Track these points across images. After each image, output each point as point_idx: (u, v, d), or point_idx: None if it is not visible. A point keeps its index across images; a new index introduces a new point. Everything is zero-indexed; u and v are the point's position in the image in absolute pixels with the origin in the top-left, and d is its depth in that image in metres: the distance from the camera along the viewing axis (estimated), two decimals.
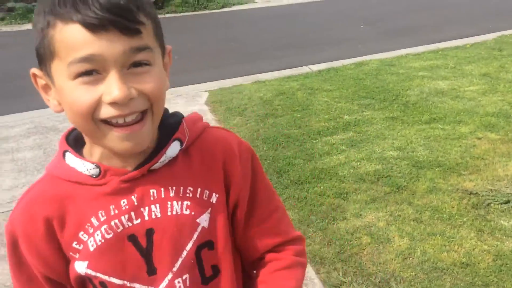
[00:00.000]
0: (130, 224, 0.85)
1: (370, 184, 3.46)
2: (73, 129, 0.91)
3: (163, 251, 0.86)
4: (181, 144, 0.89)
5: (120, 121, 0.77)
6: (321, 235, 2.97)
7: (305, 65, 6.47)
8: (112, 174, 0.84)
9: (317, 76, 5.96)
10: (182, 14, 9.26)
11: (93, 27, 0.70)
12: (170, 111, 0.93)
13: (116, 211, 0.84)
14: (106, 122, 0.77)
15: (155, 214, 0.85)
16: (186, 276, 0.89)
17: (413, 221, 3.03)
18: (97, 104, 0.74)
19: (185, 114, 0.93)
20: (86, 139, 0.87)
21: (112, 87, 0.73)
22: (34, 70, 0.81)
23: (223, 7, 9.79)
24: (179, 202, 0.87)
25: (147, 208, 0.85)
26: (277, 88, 5.52)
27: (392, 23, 8.54)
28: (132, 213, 0.85)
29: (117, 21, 0.70)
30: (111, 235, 0.85)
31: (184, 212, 0.87)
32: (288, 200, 3.37)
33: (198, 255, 0.89)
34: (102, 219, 0.84)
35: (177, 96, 5.46)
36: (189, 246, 0.88)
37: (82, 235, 0.85)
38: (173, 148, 0.88)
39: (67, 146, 0.87)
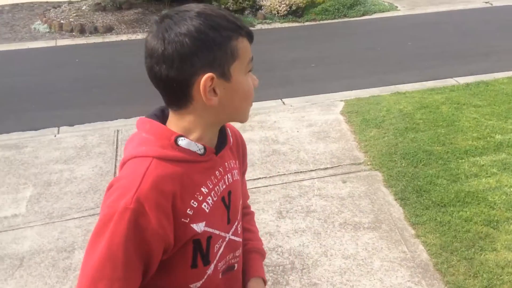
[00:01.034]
0: (222, 188, 1.15)
1: None
2: (153, 116, 1.14)
3: (234, 206, 1.20)
4: None
5: None
6: (466, 265, 2.70)
7: (451, 77, 6.03)
8: (210, 152, 1.11)
9: (465, 89, 5.50)
10: (322, 22, 9.21)
11: (251, 40, 1.09)
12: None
13: (215, 180, 1.13)
14: None
15: (229, 180, 1.17)
16: (240, 223, 1.26)
17: None
18: None
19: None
20: (186, 123, 1.09)
21: (255, 77, 1.13)
22: (209, 75, 1.02)
23: (363, 15, 9.54)
24: (235, 171, 1.22)
25: (226, 176, 1.16)
26: (419, 101, 5.21)
27: None
28: (222, 180, 1.15)
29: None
30: (216, 198, 1.12)
31: (236, 177, 1.22)
32: (428, 222, 3.13)
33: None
34: (210, 186, 1.11)
35: (313, 104, 5.42)
36: (240, 202, 1.26)
37: (192, 203, 1.06)
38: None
39: (176, 133, 1.07)
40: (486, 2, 10.21)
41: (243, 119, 1.14)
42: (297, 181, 3.82)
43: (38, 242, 3.23)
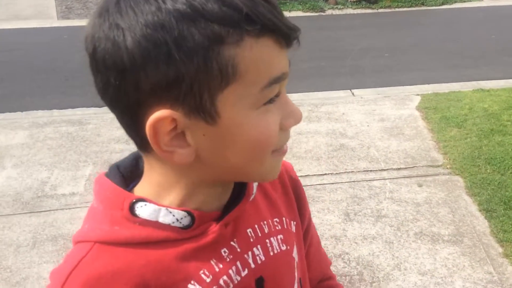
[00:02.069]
0: (238, 278, 0.66)
1: None
2: (108, 171, 0.67)
3: None
4: None
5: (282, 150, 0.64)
6: None
7: None
8: (203, 222, 0.63)
9: None
10: (397, 9, 8.70)
11: (286, 42, 0.56)
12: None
13: (221, 265, 0.64)
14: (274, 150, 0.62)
15: (260, 258, 0.68)
16: None
17: None
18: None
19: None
20: (157, 177, 0.63)
21: (293, 108, 0.61)
22: (166, 113, 0.54)
23: (443, 3, 8.93)
24: (275, 237, 0.72)
25: (250, 253, 0.68)
26: (505, 100, 4.71)
27: None
28: (238, 263, 0.66)
29: (298, 35, 0.57)
30: None
31: (282, 248, 0.72)
32: None
33: None
34: (207, 280, 0.63)
35: (385, 97, 5.04)
36: (295, 286, 0.75)
37: None
38: None
39: (135, 196, 0.62)
40: None
41: (260, 178, 0.66)
42: (367, 180, 3.51)
43: None
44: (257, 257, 0.69)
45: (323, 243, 2.88)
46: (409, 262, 2.69)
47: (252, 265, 0.68)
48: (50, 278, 0.63)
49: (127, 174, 0.68)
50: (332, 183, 3.48)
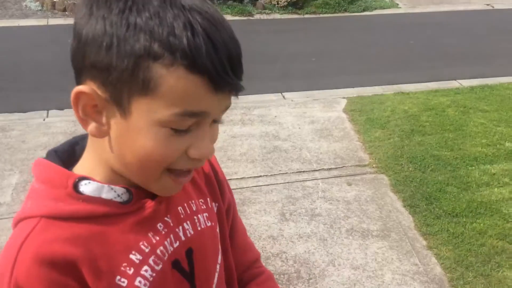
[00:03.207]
0: (171, 248, 0.75)
1: None
2: (47, 155, 0.75)
3: (203, 270, 0.80)
4: None
5: (185, 172, 0.71)
6: (484, 282, 2.55)
7: (455, 79, 5.89)
8: (140, 198, 0.72)
9: (470, 93, 5.36)
10: (322, 15, 9.00)
11: (219, 85, 0.62)
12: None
13: (157, 238, 0.73)
14: (169, 170, 0.69)
15: (189, 232, 0.78)
16: None
17: None
18: (179, 156, 0.67)
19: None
20: (94, 160, 0.71)
21: (203, 145, 0.67)
22: (85, 88, 0.64)
23: (364, 10, 9.34)
24: (202, 215, 0.81)
25: (181, 227, 0.77)
26: (423, 102, 5.05)
27: None
28: (172, 236, 0.75)
29: (238, 82, 0.64)
30: (160, 266, 0.73)
31: (207, 224, 0.82)
32: (440, 233, 2.98)
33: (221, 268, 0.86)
34: (146, 250, 0.71)
35: (314, 100, 5.23)
36: (219, 259, 0.85)
37: (119, 281, 0.69)
38: None
39: (75, 175, 0.70)
40: (487, 5, 10.09)
41: (156, 190, 0.72)
42: (300, 181, 3.64)
43: None
44: (187, 231, 0.77)
45: (261, 243, 2.96)
46: (342, 258, 2.83)
47: (183, 238, 0.77)
48: (0, 255, 0.67)
49: (65, 159, 0.74)
50: (268, 185, 3.57)
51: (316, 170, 3.79)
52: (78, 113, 0.65)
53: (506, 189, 3.38)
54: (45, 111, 4.70)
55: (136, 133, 0.64)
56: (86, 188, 0.68)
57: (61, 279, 0.64)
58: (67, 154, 0.75)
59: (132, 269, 0.70)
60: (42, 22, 7.89)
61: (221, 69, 0.60)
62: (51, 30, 7.60)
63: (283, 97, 5.32)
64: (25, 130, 4.30)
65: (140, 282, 0.70)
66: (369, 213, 3.25)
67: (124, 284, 0.69)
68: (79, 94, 0.64)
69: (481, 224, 3.00)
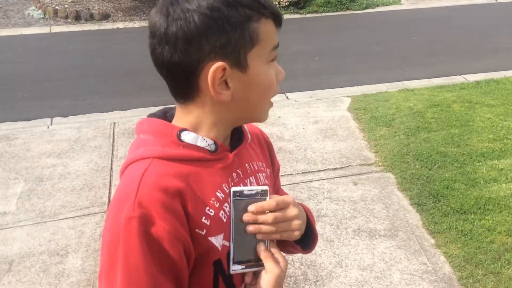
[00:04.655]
0: None
1: None
2: (152, 116, 0.97)
3: None
4: None
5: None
6: (494, 280, 2.50)
7: (459, 74, 5.83)
8: (223, 149, 0.92)
9: (475, 87, 5.31)
10: (323, 14, 8.96)
11: (279, 23, 0.90)
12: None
13: (232, 184, 0.92)
14: None
15: (253, 185, 0.97)
16: None
17: None
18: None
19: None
20: (192, 119, 0.92)
21: (281, 68, 0.93)
22: (221, 64, 0.84)
23: (366, 8, 9.30)
24: (262, 175, 1.01)
25: (248, 180, 0.97)
26: (428, 99, 5.00)
27: None
28: (241, 185, 0.94)
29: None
30: None
31: (266, 182, 1.01)
32: (448, 231, 2.94)
33: None
34: (227, 191, 0.90)
35: (318, 99, 5.20)
36: None
37: (208, 210, 0.88)
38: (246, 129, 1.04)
39: (178, 127, 0.91)
40: None
41: (260, 118, 0.96)
42: (306, 182, 3.61)
43: (28, 244, 3.00)
44: (252, 184, 0.98)
45: None
46: (350, 259, 2.80)
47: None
48: (122, 186, 0.87)
49: (160, 119, 0.95)
50: None
51: (322, 171, 3.76)
52: (215, 88, 0.85)
53: None
54: (49, 119, 4.70)
55: (256, 77, 0.88)
56: (186, 137, 0.89)
57: (171, 202, 0.83)
58: (163, 117, 0.96)
59: (218, 204, 0.89)
60: (45, 30, 7.92)
61: (278, 13, 0.89)
62: (54, 37, 7.62)
63: (287, 97, 5.29)
64: (29, 139, 4.30)
65: (222, 214, 0.89)
66: (375, 212, 3.21)
67: (212, 214, 0.88)
68: (215, 71, 0.84)
69: (490, 221, 2.96)
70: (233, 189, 0.89)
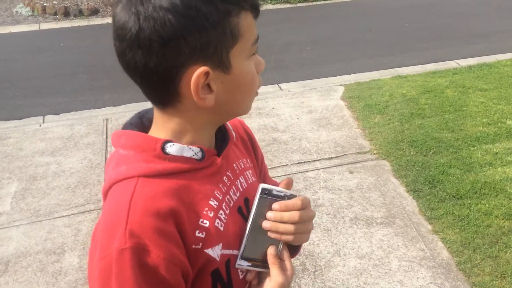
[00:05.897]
0: (235, 197, 0.91)
1: None
2: (128, 127, 0.90)
3: None
4: None
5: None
6: (492, 264, 2.51)
7: (452, 60, 5.83)
8: (210, 154, 0.87)
9: (468, 72, 5.30)
10: (314, 3, 8.93)
11: (257, 14, 0.84)
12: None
13: (225, 188, 0.89)
14: None
15: (244, 185, 0.94)
16: None
17: None
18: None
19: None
20: (174, 125, 0.86)
21: (261, 59, 0.87)
22: (204, 68, 0.77)
23: None
24: (248, 172, 0.98)
25: (238, 180, 0.93)
26: (421, 85, 5.00)
27: None
28: (233, 187, 0.91)
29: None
30: (228, 211, 0.88)
31: (253, 179, 0.98)
32: (445, 216, 2.94)
33: None
34: (220, 197, 0.87)
35: (311, 89, 5.18)
36: None
37: (202, 223, 0.83)
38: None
39: (161, 139, 0.84)
40: None
41: (245, 112, 0.90)
42: (301, 172, 3.60)
43: (24, 244, 2.98)
44: (243, 184, 0.94)
45: None
46: (348, 247, 2.80)
47: (241, 189, 0.93)
48: (108, 212, 0.80)
49: (139, 129, 0.89)
50: None
51: (317, 160, 3.75)
52: (199, 95, 0.78)
53: (509, 167, 3.34)
54: (41, 117, 4.66)
55: (239, 75, 0.81)
56: (171, 149, 0.83)
57: (164, 225, 0.77)
58: (140, 125, 0.90)
59: (212, 213, 0.85)
60: (33, 27, 7.83)
61: (257, 4, 0.83)
62: (43, 34, 7.54)
63: (280, 88, 5.27)
64: (22, 137, 4.27)
65: (217, 223, 0.85)
66: (372, 200, 3.21)
67: (207, 225, 0.83)
68: (198, 77, 0.77)
69: (486, 205, 2.96)
70: (262, 185, 0.86)
